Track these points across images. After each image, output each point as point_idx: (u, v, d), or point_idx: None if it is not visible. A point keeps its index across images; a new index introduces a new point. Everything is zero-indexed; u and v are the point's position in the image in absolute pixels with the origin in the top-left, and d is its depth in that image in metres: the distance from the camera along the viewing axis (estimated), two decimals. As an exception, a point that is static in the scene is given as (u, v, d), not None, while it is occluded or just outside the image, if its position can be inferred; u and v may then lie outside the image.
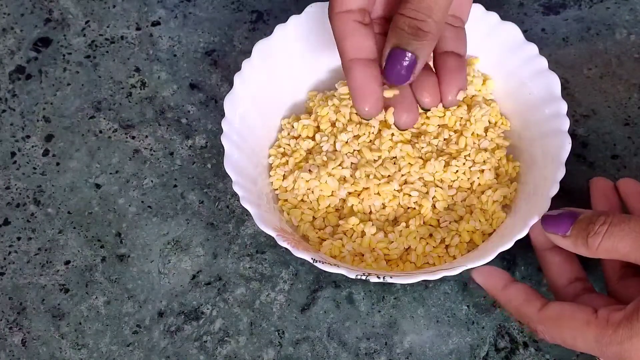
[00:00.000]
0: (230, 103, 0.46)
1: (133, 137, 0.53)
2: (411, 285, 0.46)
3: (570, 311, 0.39)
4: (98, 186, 0.51)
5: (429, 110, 0.44)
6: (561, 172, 0.42)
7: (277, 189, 0.48)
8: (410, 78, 0.41)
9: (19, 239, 0.50)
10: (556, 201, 0.47)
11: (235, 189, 0.43)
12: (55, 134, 0.53)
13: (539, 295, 0.41)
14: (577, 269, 0.43)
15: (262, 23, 0.55)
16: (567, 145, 0.43)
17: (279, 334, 0.46)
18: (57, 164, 0.52)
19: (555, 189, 0.41)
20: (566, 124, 0.44)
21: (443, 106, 0.43)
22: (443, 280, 0.46)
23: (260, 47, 0.48)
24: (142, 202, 0.50)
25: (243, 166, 0.46)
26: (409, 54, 0.40)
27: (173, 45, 0.56)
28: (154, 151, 0.52)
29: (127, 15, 0.57)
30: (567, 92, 0.52)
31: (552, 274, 0.43)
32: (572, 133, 0.50)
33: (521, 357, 0.44)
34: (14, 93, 0.55)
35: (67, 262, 0.49)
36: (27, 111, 0.54)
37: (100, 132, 0.53)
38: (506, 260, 0.47)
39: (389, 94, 0.42)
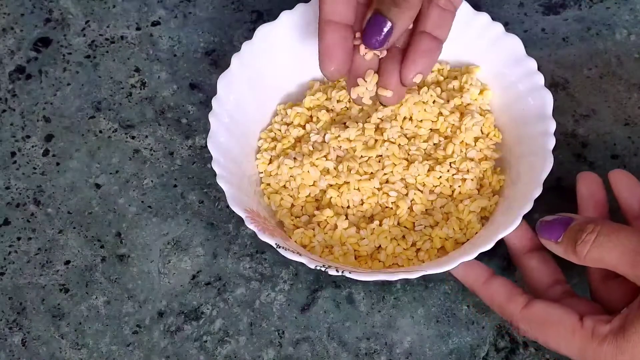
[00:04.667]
0: (224, 82, 0.47)
1: (133, 137, 0.53)
2: (411, 285, 0.46)
3: (557, 315, 0.39)
4: (98, 186, 0.51)
5: (386, 106, 0.45)
6: (537, 191, 0.41)
7: (262, 172, 0.48)
8: (385, 44, 0.41)
9: (19, 239, 0.50)
10: (556, 201, 0.47)
11: (214, 166, 0.44)
12: (55, 134, 0.53)
13: (521, 291, 0.41)
14: (555, 271, 0.43)
15: (262, 23, 0.54)
16: (548, 165, 0.42)
17: (279, 334, 0.46)
18: (57, 164, 0.52)
19: (528, 207, 0.41)
20: (552, 142, 0.43)
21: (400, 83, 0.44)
22: (443, 280, 0.46)
23: (263, 31, 0.48)
24: (142, 202, 0.50)
25: (228, 146, 0.46)
26: (387, 21, 0.40)
27: (173, 45, 0.56)
28: (154, 151, 0.52)
29: (127, 15, 0.57)
30: (567, 92, 0.52)
31: (531, 278, 0.43)
32: (572, 133, 0.50)
33: (521, 357, 0.44)
34: (14, 93, 0.55)
35: (67, 262, 0.49)
36: (27, 111, 0.54)
37: (100, 132, 0.53)
38: (506, 260, 0.47)
39: (369, 56, 0.43)
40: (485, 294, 0.42)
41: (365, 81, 0.43)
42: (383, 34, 0.41)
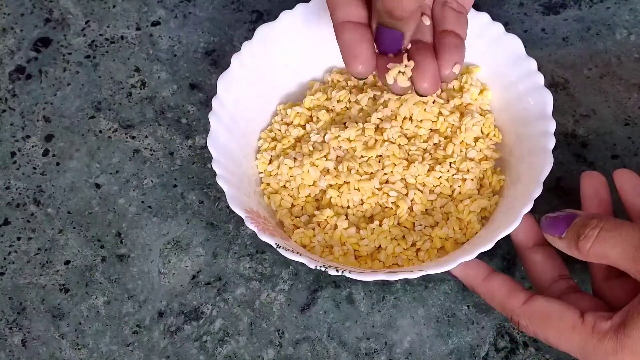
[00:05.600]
0: (224, 82, 0.47)
1: (133, 137, 0.53)
2: (411, 285, 0.46)
3: (558, 311, 0.39)
4: (98, 186, 0.51)
5: (425, 96, 0.43)
6: (537, 191, 0.41)
7: (262, 172, 0.48)
8: (401, 48, 0.41)
9: (19, 239, 0.50)
10: (556, 202, 0.47)
11: (214, 166, 0.44)
12: (55, 134, 0.53)
13: (521, 287, 0.41)
14: (560, 266, 0.43)
15: (262, 23, 0.55)
16: (548, 165, 0.42)
17: (279, 334, 0.46)
18: (57, 164, 0.52)
19: (528, 207, 0.41)
20: (552, 142, 0.43)
21: (441, 80, 0.42)
22: (443, 280, 0.46)
23: (263, 31, 0.48)
24: (142, 202, 0.50)
25: (228, 146, 0.46)
26: (394, 31, 0.40)
27: (173, 45, 0.56)
28: (154, 151, 0.52)
29: (127, 15, 0.57)
30: (567, 92, 0.52)
31: (535, 273, 0.43)
32: (572, 133, 0.50)
33: (521, 357, 0.44)
34: (14, 93, 0.55)
35: (67, 262, 0.49)
36: (27, 111, 0.54)
37: (100, 132, 0.53)
38: (506, 261, 0.47)
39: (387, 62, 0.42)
40: (485, 291, 0.42)
41: (398, 64, 0.41)
42: (395, 41, 0.40)
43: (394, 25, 0.40)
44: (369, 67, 0.41)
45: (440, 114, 0.47)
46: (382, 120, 0.47)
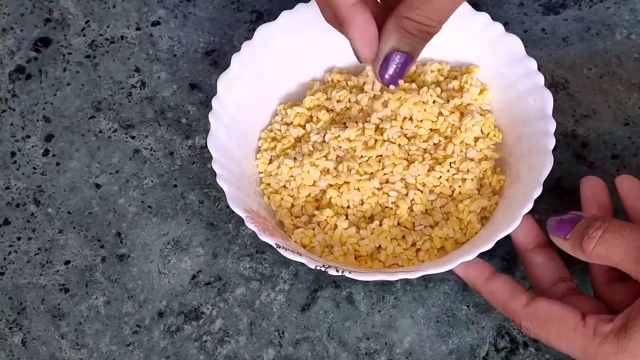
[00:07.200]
0: (224, 82, 0.47)
1: (133, 137, 0.53)
2: (411, 285, 0.46)
3: (559, 313, 0.39)
4: (98, 186, 0.51)
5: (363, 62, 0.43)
6: (537, 191, 0.41)
7: (262, 172, 0.48)
8: (402, 78, 0.41)
9: (19, 239, 0.50)
10: (556, 202, 0.47)
11: (214, 166, 0.44)
12: (55, 134, 0.53)
13: (524, 289, 0.41)
14: (561, 268, 0.43)
15: (262, 23, 0.55)
16: (548, 165, 0.42)
17: (279, 334, 0.46)
18: (57, 164, 0.52)
19: (528, 207, 0.41)
20: (552, 142, 0.43)
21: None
22: (443, 280, 0.46)
23: (263, 31, 0.48)
24: (142, 202, 0.50)
25: (228, 146, 0.46)
26: (405, 55, 0.40)
27: (173, 45, 0.56)
28: (154, 151, 0.52)
29: (127, 15, 0.57)
30: (567, 92, 0.52)
31: (536, 275, 0.43)
32: (572, 133, 0.50)
33: (521, 357, 0.44)
34: (14, 93, 0.55)
35: (67, 262, 0.49)
36: (27, 111, 0.54)
37: (100, 132, 0.53)
38: (506, 261, 0.47)
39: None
40: (487, 291, 0.42)
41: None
42: (401, 68, 0.41)
43: (413, 48, 0.40)
44: (375, 50, 0.41)
45: (440, 114, 0.48)
46: (382, 120, 0.47)
